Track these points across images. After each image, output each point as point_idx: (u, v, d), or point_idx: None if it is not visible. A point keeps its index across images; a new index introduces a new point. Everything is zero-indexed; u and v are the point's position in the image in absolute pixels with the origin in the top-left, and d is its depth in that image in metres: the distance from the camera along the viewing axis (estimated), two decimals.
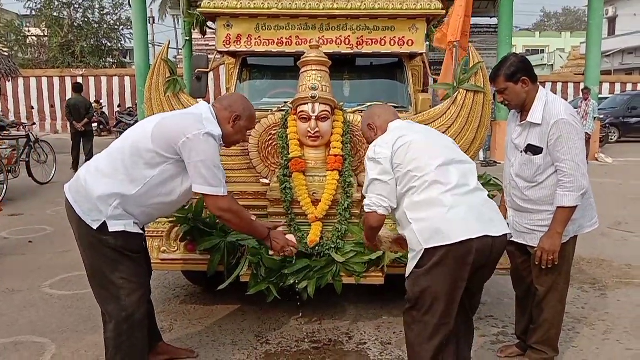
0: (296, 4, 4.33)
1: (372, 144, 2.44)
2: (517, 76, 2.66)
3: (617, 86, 22.65)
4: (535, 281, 2.80)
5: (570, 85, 22.02)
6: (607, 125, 16.44)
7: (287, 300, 3.39)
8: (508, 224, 2.84)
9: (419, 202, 2.23)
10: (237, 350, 3.17)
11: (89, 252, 2.46)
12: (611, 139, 16.92)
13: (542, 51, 42.02)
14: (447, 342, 2.31)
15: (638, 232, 5.99)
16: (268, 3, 4.34)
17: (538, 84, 2.71)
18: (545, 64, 38.62)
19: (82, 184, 2.41)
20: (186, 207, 3.19)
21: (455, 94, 3.45)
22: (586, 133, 12.25)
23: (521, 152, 2.71)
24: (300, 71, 3.45)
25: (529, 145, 2.66)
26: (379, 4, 4.32)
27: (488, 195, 2.40)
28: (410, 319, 2.33)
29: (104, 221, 2.36)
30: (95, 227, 2.36)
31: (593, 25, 13.03)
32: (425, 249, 2.20)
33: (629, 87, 22.55)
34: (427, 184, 2.22)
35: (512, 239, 2.81)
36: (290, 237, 2.78)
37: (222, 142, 2.55)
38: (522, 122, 2.71)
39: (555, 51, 38.93)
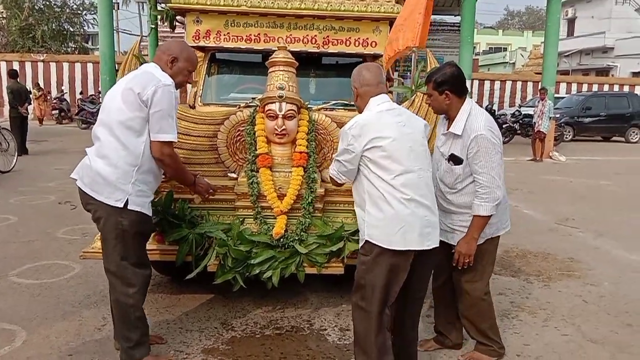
0: (264, 3, 4.48)
1: (349, 126, 2.55)
2: (442, 87, 2.82)
3: (574, 86, 23.52)
4: (454, 276, 3.02)
5: (530, 84, 22.78)
6: (563, 125, 17.10)
7: (252, 290, 3.56)
8: None
9: (378, 199, 2.49)
10: (204, 336, 3.33)
11: (104, 234, 2.70)
12: (566, 138, 17.61)
13: (505, 49, 43.01)
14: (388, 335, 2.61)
15: (583, 227, 6.39)
16: (237, 0, 4.47)
17: (466, 97, 2.86)
18: (507, 62, 39.61)
19: (96, 172, 2.64)
20: (156, 200, 3.31)
21: (413, 96, 3.67)
22: (541, 132, 12.78)
23: (445, 159, 2.88)
24: (269, 71, 3.60)
25: (451, 154, 2.84)
26: (344, 6, 4.51)
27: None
28: (355, 307, 2.62)
29: (127, 199, 2.63)
30: (121, 206, 2.62)
31: (550, 27, 13.55)
32: (367, 241, 2.53)
33: (585, 87, 23.45)
34: (388, 187, 2.47)
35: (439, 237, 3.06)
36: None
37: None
38: (446, 132, 2.90)
39: (517, 50, 39.93)
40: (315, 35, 4.61)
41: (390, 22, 4.65)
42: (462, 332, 3.23)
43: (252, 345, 3.23)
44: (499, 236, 3.00)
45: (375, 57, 4.92)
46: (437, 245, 2.60)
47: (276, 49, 3.78)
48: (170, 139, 2.70)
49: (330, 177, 2.80)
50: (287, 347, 3.23)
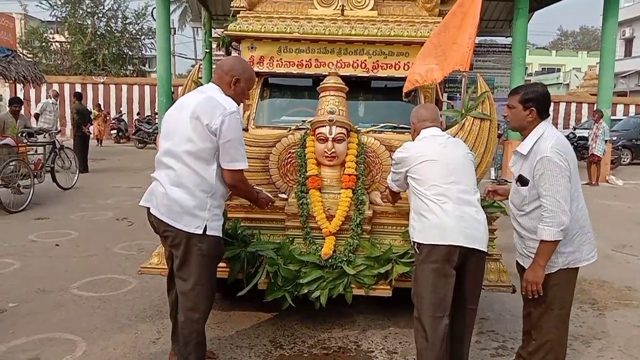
0: (316, 29, 4.61)
1: (399, 149, 3.07)
2: (529, 104, 2.79)
3: (632, 108, 22.68)
4: (530, 303, 2.91)
5: (585, 106, 22.13)
6: (620, 148, 16.49)
7: (300, 309, 3.62)
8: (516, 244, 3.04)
9: (420, 207, 2.84)
10: (254, 353, 3.41)
11: (183, 258, 2.76)
12: (624, 161, 16.94)
13: (558, 70, 42.02)
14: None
15: None
16: (290, 27, 4.63)
17: (546, 120, 2.82)
18: (561, 83, 38.61)
19: (174, 201, 2.71)
20: None
21: (463, 120, 3.69)
22: (595, 155, 12.38)
23: (515, 180, 2.87)
24: (320, 96, 3.70)
25: (520, 175, 2.81)
26: (394, 31, 4.59)
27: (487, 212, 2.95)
28: (414, 322, 2.80)
29: (205, 225, 2.72)
30: (201, 232, 2.70)
31: (606, 47, 13.19)
32: (413, 241, 2.87)
33: None
34: (429, 196, 2.80)
35: (517, 260, 3.01)
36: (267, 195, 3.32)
37: None
38: (515, 151, 2.88)
39: (571, 70, 38.92)
40: (365, 60, 4.70)
41: None
42: None
43: None
44: (577, 268, 2.84)
45: None
46: (482, 248, 2.79)
47: (327, 73, 3.89)
48: (242, 167, 2.79)
49: (388, 188, 3.30)
50: None
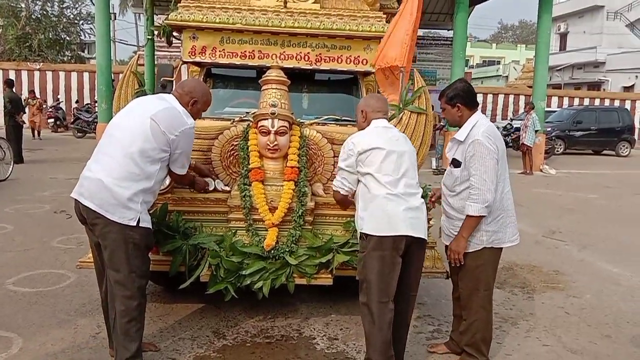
0: (259, 21, 4.62)
1: (350, 137, 2.97)
2: (454, 101, 3.10)
3: (565, 100, 23.82)
4: (459, 284, 3.17)
5: (522, 97, 23.03)
6: (554, 138, 17.31)
7: (244, 300, 3.67)
8: (440, 227, 3.28)
9: (369, 197, 2.86)
10: (196, 344, 3.43)
11: (113, 248, 2.80)
12: (557, 151, 17.80)
13: (498, 62, 43.46)
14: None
15: (569, 240, 6.54)
16: (232, 18, 4.61)
17: (477, 109, 3.11)
18: (501, 75, 40.00)
19: (109, 194, 2.75)
20: (150, 212, 3.42)
21: (401, 114, 3.81)
22: (525, 144, 13.01)
23: (449, 163, 3.13)
24: (262, 89, 3.73)
25: (453, 159, 3.09)
26: (336, 25, 4.66)
27: (425, 203, 3.03)
28: (361, 307, 2.88)
29: (139, 217, 2.81)
30: (134, 224, 2.79)
31: (541, 43, 13.79)
32: (361, 232, 2.89)
33: (576, 101, 23.75)
34: (377, 186, 2.84)
35: (444, 242, 3.22)
36: (209, 181, 3.62)
37: None
38: (452, 138, 3.15)
39: (510, 63, 40.35)
40: (308, 53, 4.74)
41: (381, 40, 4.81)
42: None
43: (242, 354, 3.34)
44: (500, 249, 3.11)
45: (366, 74, 5.08)
46: (424, 237, 2.90)
47: (270, 65, 3.91)
48: (187, 170, 3.19)
49: (334, 194, 3.08)
50: (277, 356, 3.33)
